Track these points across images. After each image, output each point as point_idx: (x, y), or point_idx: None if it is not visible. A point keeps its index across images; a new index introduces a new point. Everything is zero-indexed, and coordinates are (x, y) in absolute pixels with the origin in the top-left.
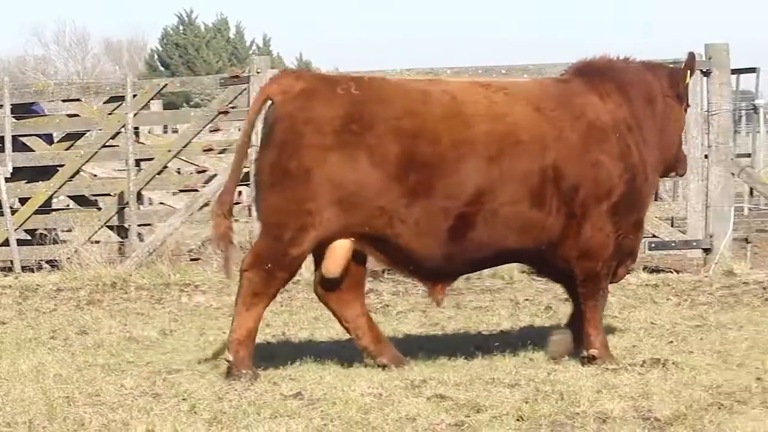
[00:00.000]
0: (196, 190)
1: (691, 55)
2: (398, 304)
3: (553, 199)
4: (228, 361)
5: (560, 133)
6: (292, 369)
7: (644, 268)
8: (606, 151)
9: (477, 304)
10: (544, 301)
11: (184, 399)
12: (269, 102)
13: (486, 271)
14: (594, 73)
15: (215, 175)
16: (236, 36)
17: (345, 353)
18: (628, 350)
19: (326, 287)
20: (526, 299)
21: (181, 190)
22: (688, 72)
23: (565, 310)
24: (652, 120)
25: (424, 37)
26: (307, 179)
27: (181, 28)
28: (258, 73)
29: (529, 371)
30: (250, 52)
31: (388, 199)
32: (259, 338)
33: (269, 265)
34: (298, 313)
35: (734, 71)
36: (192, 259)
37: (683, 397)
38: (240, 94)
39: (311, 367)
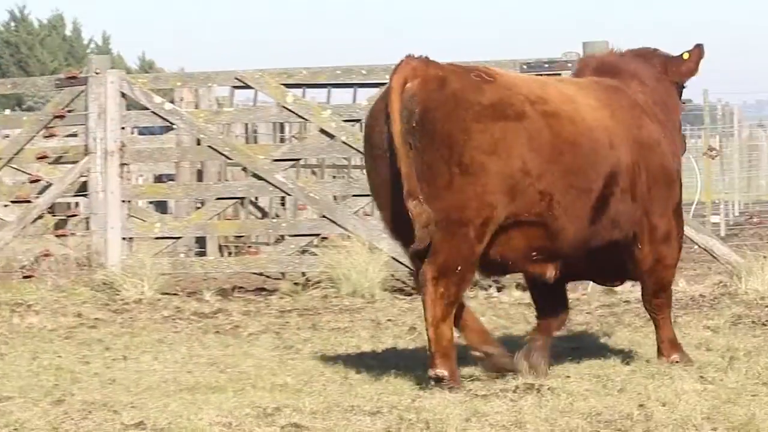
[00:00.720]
0: (29, 201)
1: (700, 45)
2: (249, 325)
3: (637, 195)
4: (437, 378)
5: (634, 129)
6: (134, 396)
7: (517, 285)
8: (665, 147)
9: (335, 325)
10: (407, 322)
11: (15, 429)
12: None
13: (345, 290)
14: (614, 69)
15: (50, 185)
16: (73, 34)
17: (190, 378)
18: (499, 375)
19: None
20: (389, 320)
21: (13, 201)
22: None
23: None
24: (667, 111)
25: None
26: (483, 171)
27: (12, 24)
28: (97, 73)
29: (391, 398)
30: (88, 51)
31: (547, 183)
32: (97, 362)
33: (460, 268)
34: (140, 335)
35: None
36: (24, 277)
37: (559, 426)
38: (77, 96)
39: (155, 393)
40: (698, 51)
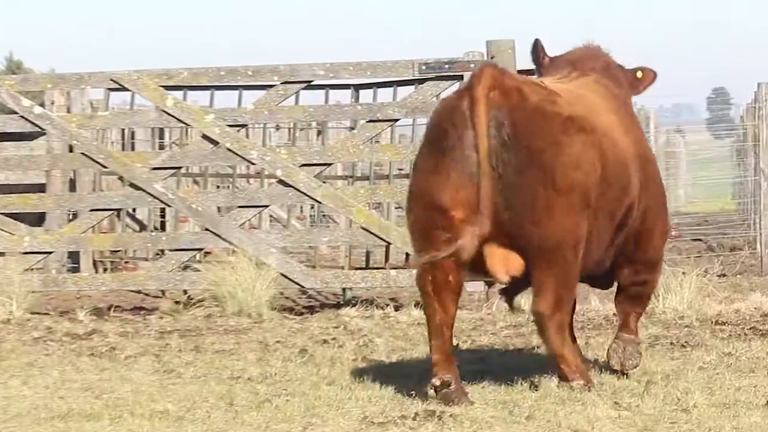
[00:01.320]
0: None
1: (654, 72)
2: (127, 347)
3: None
4: (588, 388)
5: (640, 142)
6: (1, 424)
7: (416, 304)
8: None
9: (220, 347)
10: (298, 343)
11: None
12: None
13: (230, 309)
14: (601, 68)
15: None
16: None
17: (63, 405)
18: (398, 401)
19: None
20: (278, 341)
21: None
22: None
23: (323, 353)
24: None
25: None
26: (573, 189)
27: None
28: None
29: (281, 425)
30: None
31: (598, 200)
32: None
33: (568, 297)
34: (8, 358)
35: (522, 72)
36: None
37: None
38: None
39: (24, 421)
40: (652, 77)
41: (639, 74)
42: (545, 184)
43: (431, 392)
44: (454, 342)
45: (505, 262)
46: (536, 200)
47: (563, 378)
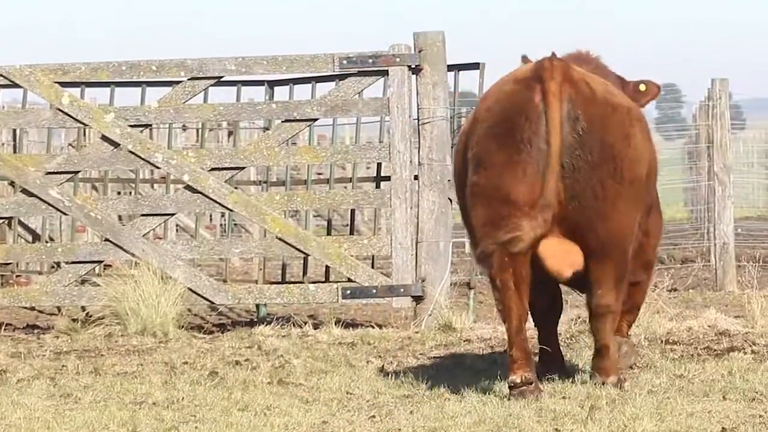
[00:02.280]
0: None
1: (658, 87)
2: (19, 369)
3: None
4: (621, 385)
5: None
6: None
7: (337, 322)
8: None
9: (121, 369)
10: (207, 365)
11: None
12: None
13: (133, 328)
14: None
15: None
16: None
17: None
18: (316, 428)
19: None
20: (185, 362)
21: None
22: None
23: (235, 375)
24: None
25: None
26: (637, 182)
27: None
28: None
29: None
30: None
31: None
32: None
33: (623, 289)
34: None
35: (452, 67)
36: None
37: None
38: None
39: None
40: (656, 91)
41: (642, 87)
42: (615, 177)
43: (509, 388)
44: (379, 363)
45: (567, 258)
46: (606, 193)
47: (600, 372)
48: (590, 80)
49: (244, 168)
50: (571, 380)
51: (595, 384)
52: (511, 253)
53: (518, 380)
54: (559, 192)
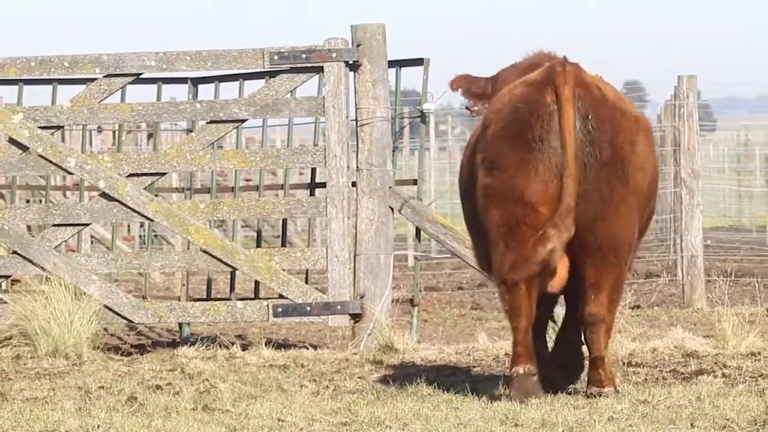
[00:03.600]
0: None
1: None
2: None
3: None
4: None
5: None
6: None
7: (267, 343)
8: None
9: (31, 394)
10: (125, 390)
11: None
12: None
13: (43, 349)
14: None
15: None
16: None
17: None
18: None
19: None
20: (101, 387)
21: None
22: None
23: (156, 401)
24: None
25: None
26: (637, 189)
27: None
28: None
29: None
30: None
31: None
32: None
33: (619, 298)
34: None
35: (394, 64)
36: None
37: None
38: None
39: None
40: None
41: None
42: (621, 179)
43: (509, 382)
44: (314, 388)
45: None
46: (612, 195)
47: (595, 383)
48: (602, 85)
49: (165, 174)
50: (523, 405)
51: (590, 395)
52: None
53: (521, 371)
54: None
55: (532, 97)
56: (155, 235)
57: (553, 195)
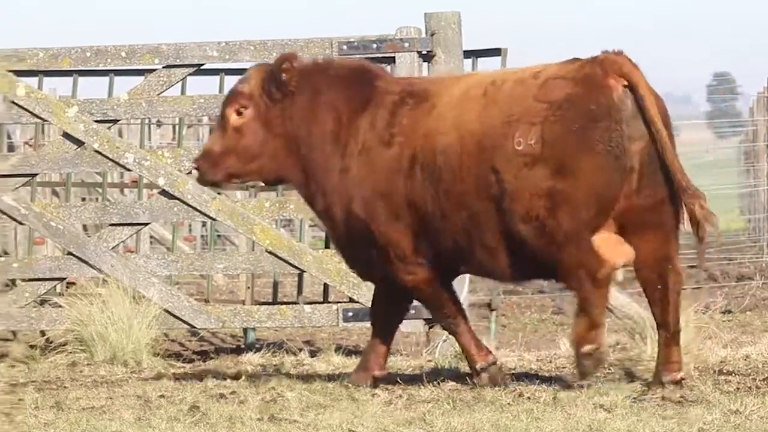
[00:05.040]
0: None
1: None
2: None
3: None
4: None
5: None
6: None
7: (337, 349)
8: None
9: (87, 403)
10: (187, 398)
11: None
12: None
13: (100, 355)
14: None
15: None
16: None
17: None
18: None
19: None
20: (161, 395)
21: None
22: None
23: (219, 410)
24: None
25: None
26: None
27: None
28: None
29: None
30: None
31: None
32: None
33: None
34: None
35: (470, 54)
36: None
37: None
38: None
39: None
40: None
41: None
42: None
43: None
44: (387, 397)
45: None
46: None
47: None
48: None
49: None
50: (608, 415)
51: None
52: None
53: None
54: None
55: (599, 92)
56: (218, 236)
57: (627, 191)
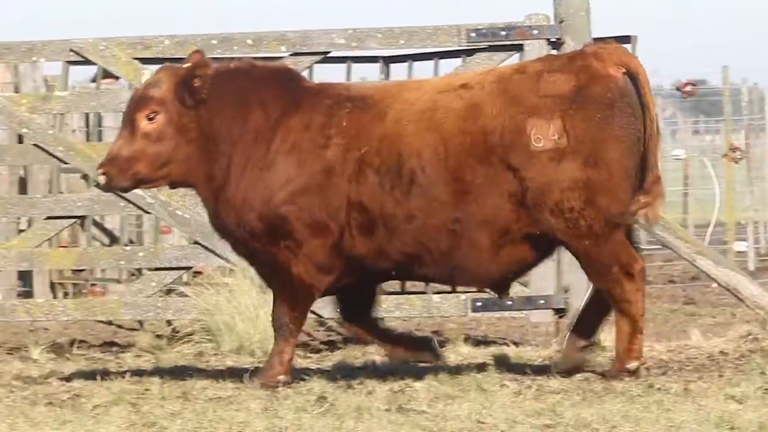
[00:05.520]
0: None
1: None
2: (95, 394)
3: None
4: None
5: None
6: None
7: (466, 339)
8: None
9: (214, 393)
10: (315, 389)
11: None
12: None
13: (227, 345)
14: None
15: None
16: None
17: None
18: None
19: None
20: (288, 386)
21: None
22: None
23: (347, 401)
24: None
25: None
26: None
27: None
28: None
29: None
30: None
31: None
32: None
33: None
34: None
35: (599, 41)
36: None
37: None
38: None
39: None
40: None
41: None
42: None
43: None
44: (516, 387)
45: None
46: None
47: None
48: None
49: None
50: (739, 406)
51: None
52: None
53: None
54: None
55: (616, 80)
56: None
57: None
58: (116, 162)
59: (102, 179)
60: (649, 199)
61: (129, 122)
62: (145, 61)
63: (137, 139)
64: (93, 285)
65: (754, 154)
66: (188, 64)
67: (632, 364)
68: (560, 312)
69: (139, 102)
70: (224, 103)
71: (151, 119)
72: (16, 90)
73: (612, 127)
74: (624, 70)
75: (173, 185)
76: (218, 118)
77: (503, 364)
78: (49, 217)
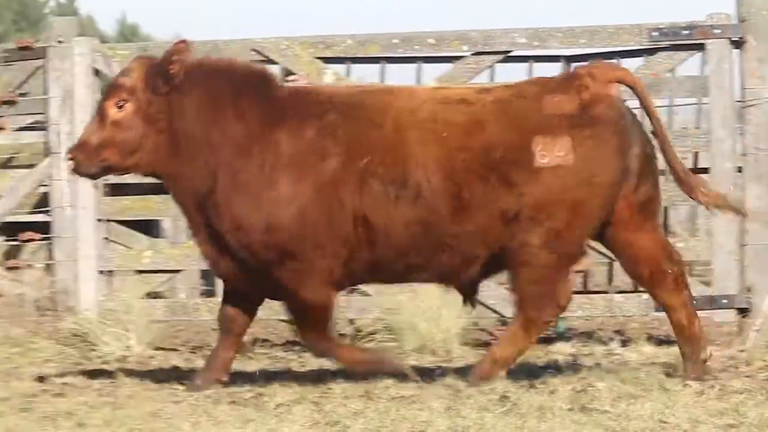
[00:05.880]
0: None
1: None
2: (278, 393)
3: None
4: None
5: None
6: None
7: (648, 339)
8: None
9: (397, 392)
10: (497, 388)
11: None
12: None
13: (410, 344)
14: None
15: None
16: None
17: None
18: None
19: None
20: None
21: None
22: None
23: (529, 400)
24: None
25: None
26: None
27: None
28: (60, 42)
29: None
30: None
31: None
32: None
33: None
34: (125, 407)
35: None
36: None
37: None
38: (33, 74)
39: None
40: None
41: None
42: None
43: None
44: (698, 387)
45: None
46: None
47: None
48: None
49: None
50: None
51: None
52: None
53: None
54: None
55: (617, 106)
56: None
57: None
58: (84, 148)
59: (70, 164)
60: (701, 190)
61: (99, 109)
62: (328, 60)
63: (106, 126)
64: None
65: None
66: (168, 50)
67: (484, 385)
68: (743, 312)
69: (109, 90)
70: (198, 101)
71: (120, 107)
72: None
73: (616, 148)
74: (620, 87)
75: (145, 174)
76: (191, 114)
77: None
78: None
